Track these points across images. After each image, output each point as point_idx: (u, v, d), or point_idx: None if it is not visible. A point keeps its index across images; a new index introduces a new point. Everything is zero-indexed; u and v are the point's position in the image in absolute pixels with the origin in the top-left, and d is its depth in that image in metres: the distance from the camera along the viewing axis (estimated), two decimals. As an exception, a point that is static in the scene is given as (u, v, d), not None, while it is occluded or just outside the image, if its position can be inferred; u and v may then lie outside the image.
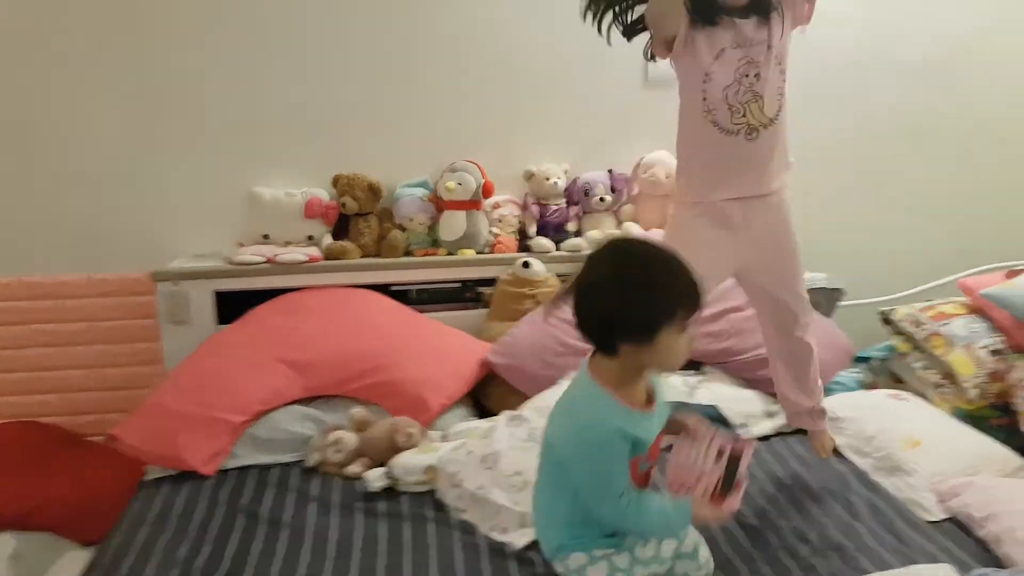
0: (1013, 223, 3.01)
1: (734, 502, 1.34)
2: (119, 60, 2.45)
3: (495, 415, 2.22)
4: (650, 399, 1.36)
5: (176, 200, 2.57)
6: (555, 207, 2.70)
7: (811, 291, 2.58)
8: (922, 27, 2.87)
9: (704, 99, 1.72)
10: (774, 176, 1.79)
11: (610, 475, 1.28)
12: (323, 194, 2.58)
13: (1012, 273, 2.41)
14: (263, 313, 2.40)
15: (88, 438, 2.50)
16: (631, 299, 1.23)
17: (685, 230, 1.83)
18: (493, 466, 1.88)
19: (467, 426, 2.18)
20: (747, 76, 1.70)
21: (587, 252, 2.61)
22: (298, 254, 2.47)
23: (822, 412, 2.04)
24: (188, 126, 2.53)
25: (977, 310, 2.43)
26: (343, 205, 2.56)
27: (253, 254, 2.46)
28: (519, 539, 1.73)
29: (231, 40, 2.49)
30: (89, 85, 2.45)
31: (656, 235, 2.62)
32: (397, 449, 2.04)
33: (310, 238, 2.58)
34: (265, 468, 2.07)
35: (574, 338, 2.31)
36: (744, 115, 1.71)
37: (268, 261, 2.45)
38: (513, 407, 2.21)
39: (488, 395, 2.41)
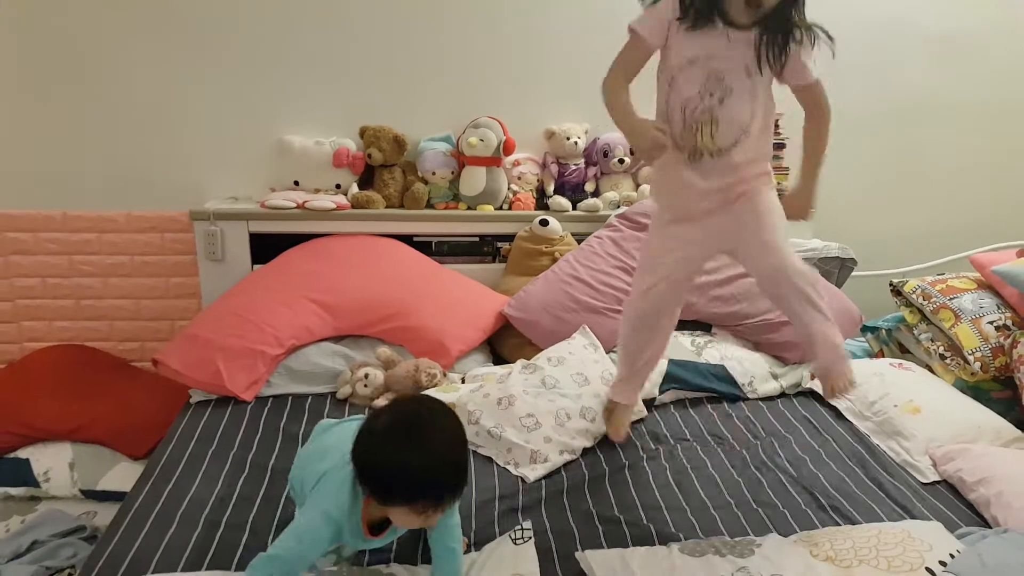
0: (1029, 203, 3.04)
1: None
2: (164, 10, 2.51)
3: (509, 363, 2.32)
4: (381, 530, 1.39)
5: (212, 144, 2.64)
6: (574, 167, 2.75)
7: (823, 260, 2.66)
8: (947, 1, 2.86)
9: (666, 103, 1.64)
10: (737, 187, 1.67)
11: (292, 542, 1.31)
12: (351, 144, 2.64)
13: (1023, 252, 2.45)
14: (295, 256, 2.49)
15: (133, 363, 2.66)
16: (378, 466, 1.26)
17: (653, 235, 1.81)
18: (508, 407, 1.99)
19: (484, 371, 2.29)
20: (711, 95, 1.59)
21: (603, 212, 2.69)
22: (326, 201, 2.55)
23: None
24: (225, 75, 2.59)
25: (987, 286, 2.48)
26: (369, 156, 2.63)
27: (284, 199, 2.54)
28: (531, 473, 1.85)
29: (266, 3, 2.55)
30: (136, 34, 2.52)
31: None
32: (420, 387, 2.16)
33: (338, 186, 2.66)
34: (299, 397, 2.19)
35: (586, 296, 2.43)
36: (694, 134, 1.60)
37: (299, 207, 2.53)
38: (526, 357, 2.30)
39: (503, 344, 2.51)
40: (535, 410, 1.98)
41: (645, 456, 1.97)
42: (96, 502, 2.18)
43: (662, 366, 2.28)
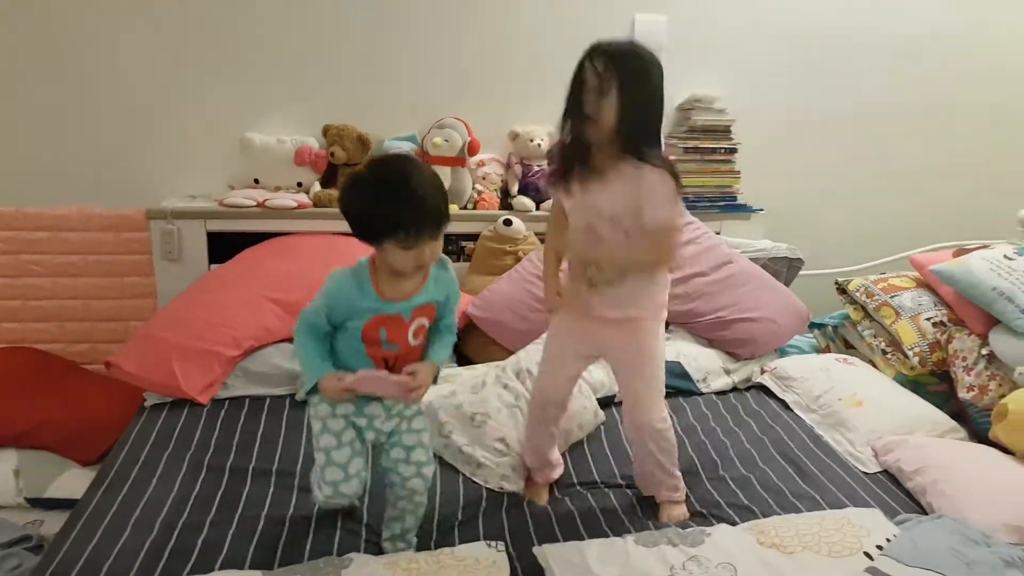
0: (965, 205, 3.17)
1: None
2: (122, 4, 2.48)
3: (475, 363, 2.35)
4: (404, 297, 1.49)
5: (171, 142, 2.62)
6: (538, 168, 2.79)
7: (772, 259, 2.76)
8: (892, 9, 2.97)
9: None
10: (630, 311, 1.70)
11: (318, 299, 1.50)
12: (313, 143, 2.64)
13: (959, 252, 2.55)
14: (254, 255, 2.48)
15: (84, 366, 2.60)
16: (364, 208, 1.42)
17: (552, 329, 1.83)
18: (481, 426, 1.97)
19: (450, 371, 2.28)
20: (588, 241, 1.65)
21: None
22: (287, 200, 2.54)
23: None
24: (185, 69, 2.57)
25: (925, 285, 2.59)
26: (332, 155, 2.63)
27: (244, 197, 2.53)
28: (504, 486, 1.86)
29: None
30: (93, 29, 2.49)
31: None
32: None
33: (299, 185, 2.65)
34: (257, 399, 2.18)
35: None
36: (586, 272, 1.65)
37: (258, 205, 2.52)
38: (491, 357, 2.33)
39: (468, 344, 2.53)
40: (507, 435, 1.95)
41: (600, 459, 2.01)
42: (43, 510, 2.12)
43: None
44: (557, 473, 1.91)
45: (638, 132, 1.57)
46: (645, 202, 1.58)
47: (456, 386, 2.13)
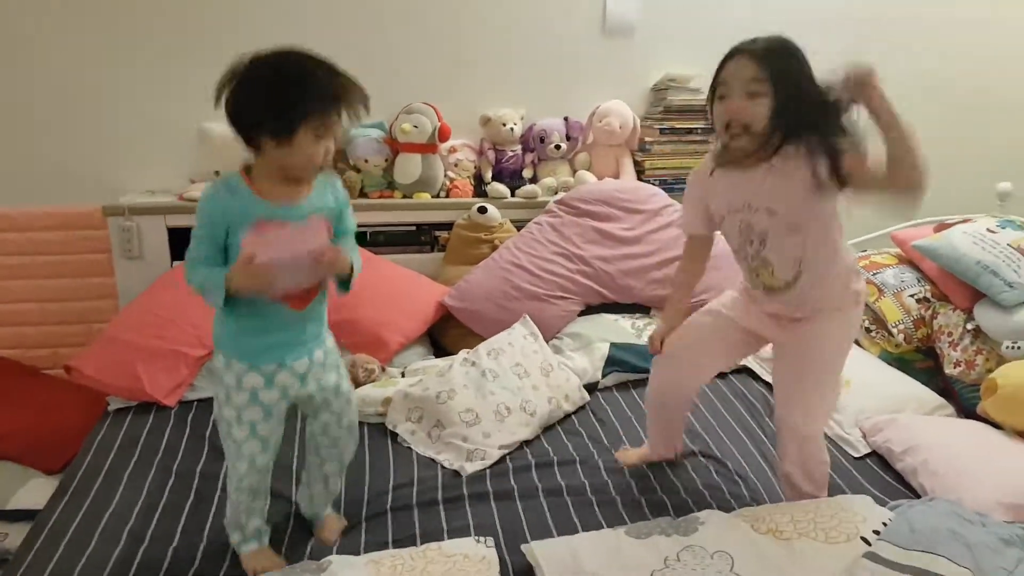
0: (945, 180, 3.13)
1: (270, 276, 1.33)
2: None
3: (452, 354, 2.28)
4: (297, 198, 1.39)
5: (127, 135, 2.51)
6: (511, 153, 2.73)
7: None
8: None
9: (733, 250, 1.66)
10: (810, 304, 1.60)
11: (194, 238, 1.39)
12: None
13: (941, 227, 2.54)
14: (218, 250, 2.39)
15: (44, 371, 2.50)
16: (270, 98, 1.28)
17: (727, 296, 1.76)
18: (447, 402, 1.95)
19: (424, 364, 2.24)
20: (751, 243, 1.58)
21: (542, 198, 2.68)
22: (252, 192, 2.45)
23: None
24: (139, 60, 2.47)
25: (907, 261, 2.57)
26: (297, 144, 2.54)
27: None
28: (469, 467, 1.82)
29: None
30: (43, 16, 2.37)
31: (611, 184, 2.69)
32: (358, 383, 2.10)
33: (264, 177, 2.56)
34: (227, 400, 2.10)
35: (527, 283, 2.41)
36: (759, 276, 1.61)
37: (222, 198, 2.43)
38: (469, 347, 2.27)
39: (445, 335, 2.47)
40: (475, 405, 1.95)
41: (590, 442, 1.96)
42: (7, 522, 2.01)
43: (603, 349, 2.29)
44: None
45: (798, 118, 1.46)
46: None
47: (425, 376, 2.10)
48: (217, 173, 2.52)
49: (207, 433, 1.93)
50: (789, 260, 1.56)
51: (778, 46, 1.46)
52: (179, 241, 2.44)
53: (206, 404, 2.06)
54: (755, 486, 1.81)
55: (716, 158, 1.60)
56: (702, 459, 1.91)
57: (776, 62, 1.44)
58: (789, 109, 1.44)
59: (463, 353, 2.19)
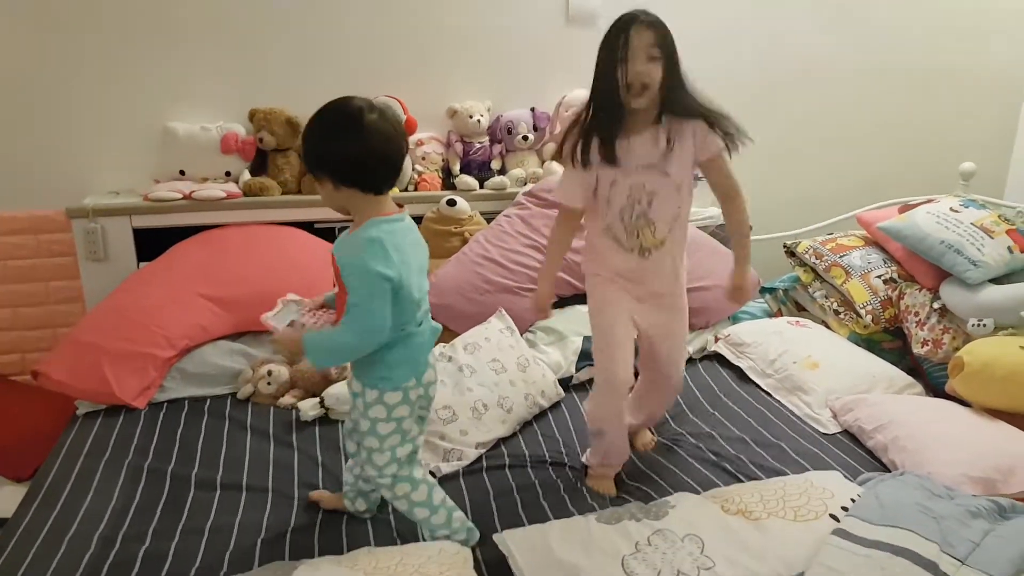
0: (908, 161, 3.19)
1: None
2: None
3: (423, 349, 2.27)
4: None
5: (89, 135, 2.47)
6: (479, 145, 2.72)
7: (720, 226, 2.73)
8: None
9: (606, 217, 1.73)
10: (669, 281, 1.79)
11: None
12: (240, 129, 2.52)
13: (905, 208, 2.56)
14: (184, 250, 2.36)
15: (11, 378, 2.46)
16: (380, 151, 1.41)
17: (597, 292, 1.82)
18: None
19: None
20: (639, 202, 1.69)
21: (511, 190, 2.68)
22: (216, 190, 2.42)
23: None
24: (100, 58, 2.42)
25: (873, 242, 2.60)
26: (260, 140, 2.51)
27: (169, 190, 2.40)
28: (444, 467, 1.82)
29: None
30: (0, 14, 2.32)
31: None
32: (330, 381, 2.08)
33: (228, 174, 2.53)
34: (197, 400, 2.08)
35: (498, 276, 2.41)
36: (639, 236, 1.72)
37: (185, 197, 2.40)
38: (443, 341, 2.25)
39: (416, 330, 2.45)
40: (452, 402, 1.94)
41: (564, 439, 1.97)
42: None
43: (577, 343, 2.30)
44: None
45: (681, 89, 1.64)
46: (697, 143, 1.66)
47: None
48: (182, 172, 2.50)
49: (178, 434, 1.91)
50: (669, 217, 1.72)
51: (660, 21, 1.62)
52: (145, 242, 2.41)
53: (176, 405, 2.05)
54: (726, 473, 1.81)
55: (609, 126, 1.66)
56: (675, 444, 1.92)
57: (665, 33, 1.61)
58: (673, 74, 1.62)
59: (439, 348, 2.18)
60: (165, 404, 2.05)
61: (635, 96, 1.60)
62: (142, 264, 2.41)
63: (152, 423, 1.97)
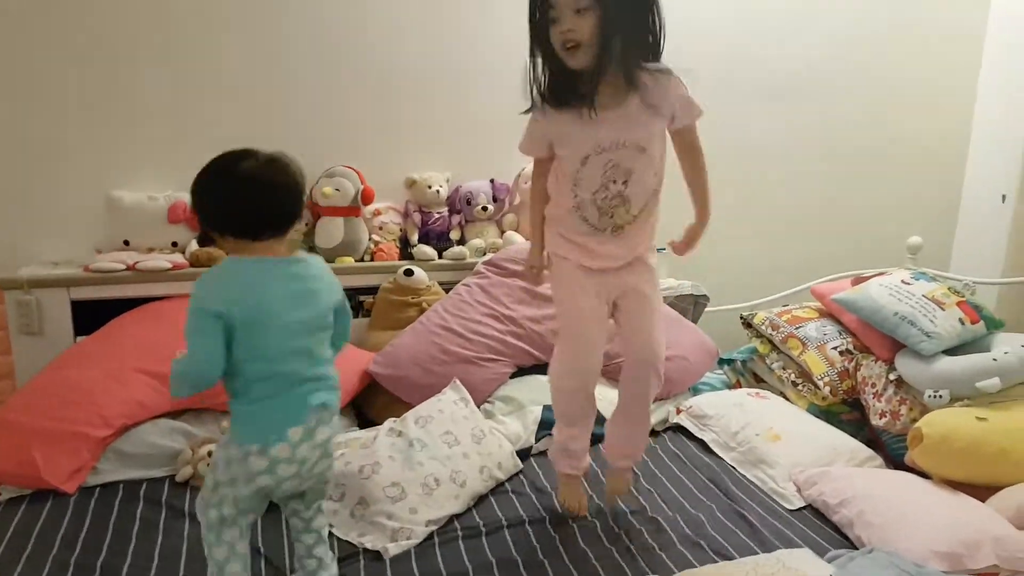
0: (860, 236, 3.28)
1: None
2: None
3: (378, 424, 2.18)
4: None
5: (28, 204, 2.38)
6: (437, 215, 2.70)
7: (678, 297, 2.74)
8: (775, 49, 3.07)
9: (576, 198, 1.66)
10: (640, 248, 1.75)
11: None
12: (188, 198, 2.45)
13: (858, 280, 2.61)
14: (124, 323, 2.26)
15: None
16: (267, 201, 1.41)
17: (564, 277, 1.78)
18: (371, 476, 1.85)
19: (347, 437, 2.13)
20: (614, 182, 1.62)
21: (470, 260, 2.66)
22: (161, 261, 2.35)
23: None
24: (42, 125, 2.35)
25: (828, 314, 2.63)
26: (211, 210, 2.45)
27: (112, 261, 2.32)
28: (393, 548, 1.72)
29: (92, 37, 2.36)
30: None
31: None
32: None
33: (174, 244, 2.46)
34: (133, 483, 1.94)
35: (456, 346, 2.35)
36: (612, 216, 1.66)
37: (129, 268, 2.32)
38: (397, 416, 2.18)
39: (371, 405, 2.36)
40: (401, 478, 1.86)
41: (525, 514, 1.89)
42: None
43: (536, 413, 2.24)
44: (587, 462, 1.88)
45: (631, 43, 1.53)
46: (677, 111, 1.61)
47: (348, 449, 1.99)
48: (126, 243, 2.42)
49: (110, 523, 1.77)
50: (647, 194, 1.66)
51: None
52: (86, 315, 2.30)
53: (110, 489, 1.91)
54: (697, 547, 1.76)
55: (578, 98, 1.58)
56: (640, 523, 1.86)
57: None
58: (615, 24, 1.50)
59: (389, 423, 2.09)
60: (98, 488, 1.91)
61: (570, 52, 1.51)
62: (79, 338, 2.29)
63: (82, 510, 1.82)
